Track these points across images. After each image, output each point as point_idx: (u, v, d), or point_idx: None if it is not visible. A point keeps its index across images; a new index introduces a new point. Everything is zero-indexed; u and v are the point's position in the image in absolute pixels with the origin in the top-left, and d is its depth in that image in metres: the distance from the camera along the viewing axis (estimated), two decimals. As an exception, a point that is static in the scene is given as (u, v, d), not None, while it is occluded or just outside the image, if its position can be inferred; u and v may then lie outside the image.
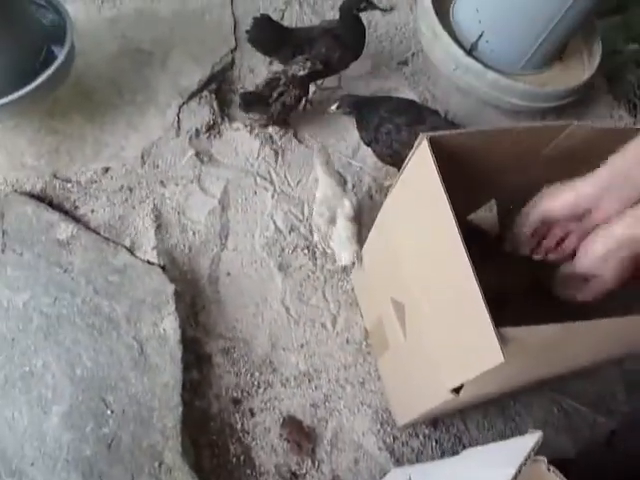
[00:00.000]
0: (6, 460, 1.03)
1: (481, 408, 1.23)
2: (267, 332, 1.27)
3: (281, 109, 1.42)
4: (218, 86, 1.59)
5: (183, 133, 1.49)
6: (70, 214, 1.33)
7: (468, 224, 1.25)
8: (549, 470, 0.68)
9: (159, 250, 1.29)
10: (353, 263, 1.23)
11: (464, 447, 1.20)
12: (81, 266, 1.23)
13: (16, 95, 1.22)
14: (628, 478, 0.91)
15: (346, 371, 1.25)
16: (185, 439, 1.08)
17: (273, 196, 1.44)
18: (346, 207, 1.24)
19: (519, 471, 0.59)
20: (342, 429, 1.19)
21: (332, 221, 1.27)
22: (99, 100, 1.51)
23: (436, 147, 0.82)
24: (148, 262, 1.26)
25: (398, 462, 1.16)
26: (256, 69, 1.64)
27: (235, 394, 1.19)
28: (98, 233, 1.30)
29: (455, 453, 1.19)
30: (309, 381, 1.23)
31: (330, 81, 1.61)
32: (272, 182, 1.46)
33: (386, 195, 1.46)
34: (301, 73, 1.32)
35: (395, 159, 1.34)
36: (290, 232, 1.39)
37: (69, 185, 1.37)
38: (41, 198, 1.34)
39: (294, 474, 1.13)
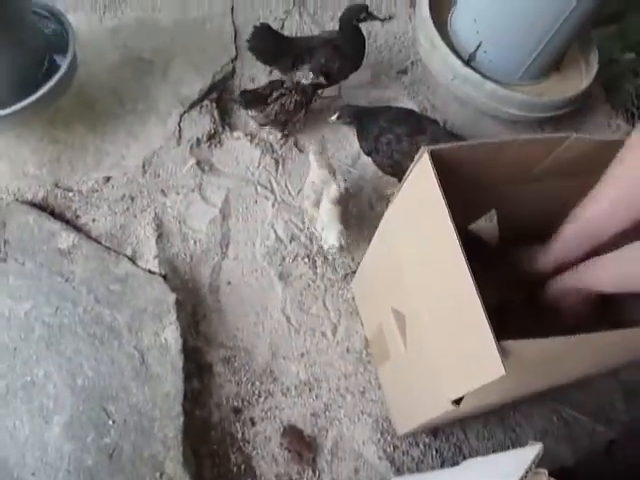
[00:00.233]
0: (7, 470, 1.04)
1: (481, 418, 1.23)
2: (268, 341, 1.27)
3: (279, 110, 1.44)
4: (219, 95, 1.60)
5: (184, 142, 1.50)
6: (71, 223, 1.33)
7: (469, 234, 1.26)
8: (549, 482, 0.69)
9: (160, 259, 1.30)
10: (340, 245, 1.24)
11: (464, 456, 1.21)
12: (82, 275, 1.24)
13: (19, 106, 1.23)
14: (627, 487, 0.92)
15: (346, 380, 1.25)
16: (186, 449, 1.09)
17: (274, 205, 1.44)
18: (332, 190, 1.25)
19: (520, 484, 0.60)
20: (342, 438, 1.19)
21: (317, 204, 1.29)
22: (100, 109, 1.52)
23: (437, 159, 0.83)
24: (149, 271, 1.27)
25: (398, 471, 1.16)
26: (256, 78, 1.65)
27: (236, 403, 1.19)
28: (99, 242, 1.30)
29: (455, 462, 1.19)
30: (309, 390, 1.23)
31: (330, 90, 1.62)
32: (273, 191, 1.47)
33: (387, 204, 1.47)
34: (305, 82, 1.33)
35: (395, 169, 1.35)
36: (291, 241, 1.40)
37: (70, 194, 1.38)
38: (43, 207, 1.34)
39: (295, 483, 1.13)
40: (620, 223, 0.95)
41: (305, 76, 1.32)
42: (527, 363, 0.71)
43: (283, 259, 1.37)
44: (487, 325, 0.67)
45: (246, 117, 1.55)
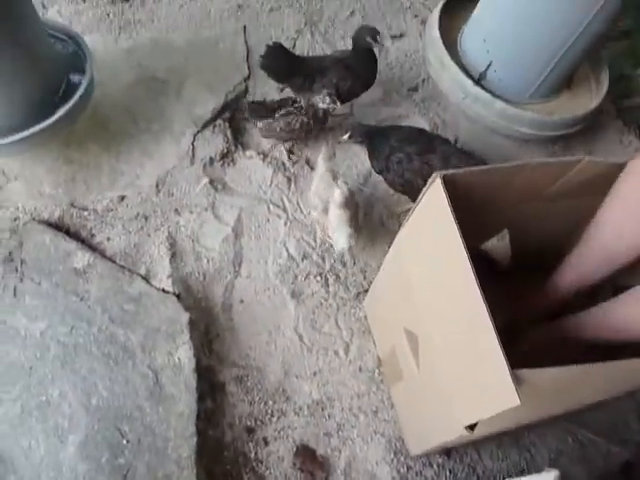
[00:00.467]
0: (23, 490, 1.05)
1: (495, 438, 1.23)
2: (280, 360, 1.28)
3: (284, 127, 1.45)
4: (232, 114, 1.62)
5: (197, 161, 1.52)
6: (87, 242, 1.35)
7: (480, 253, 1.26)
8: (567, 511, 0.68)
9: (174, 278, 1.31)
10: (350, 246, 1.26)
11: (478, 477, 1.20)
12: (97, 295, 1.25)
13: (37, 128, 1.25)
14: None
15: (359, 400, 1.25)
16: (200, 469, 1.09)
17: (286, 223, 1.45)
18: (336, 195, 1.27)
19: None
20: (355, 458, 1.19)
21: (325, 211, 1.31)
22: (115, 129, 1.55)
23: (449, 182, 0.83)
24: (163, 290, 1.28)
25: (412, 492, 1.16)
26: (269, 97, 1.67)
27: (249, 423, 1.20)
28: (114, 261, 1.32)
29: (469, 484, 1.18)
30: (322, 410, 1.23)
31: (342, 108, 1.63)
32: (285, 209, 1.48)
33: (398, 222, 1.49)
34: (321, 106, 1.34)
35: (407, 187, 1.35)
36: (303, 259, 1.40)
37: (86, 213, 1.40)
38: (59, 227, 1.36)
39: (308, 504, 1.13)
40: (629, 244, 0.95)
41: (322, 100, 1.33)
42: (541, 391, 0.71)
43: (295, 277, 1.38)
44: (501, 354, 0.67)
45: (258, 136, 1.56)
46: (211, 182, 1.49)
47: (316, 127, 1.43)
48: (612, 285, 1.11)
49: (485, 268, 0.97)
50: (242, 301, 1.34)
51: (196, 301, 1.31)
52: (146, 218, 1.41)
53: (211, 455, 1.13)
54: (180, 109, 1.60)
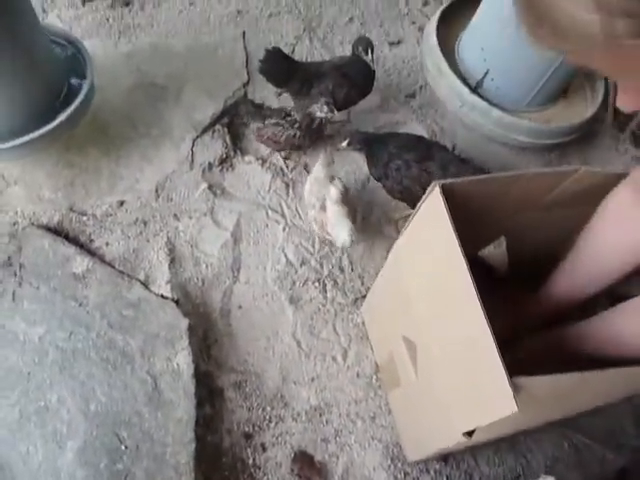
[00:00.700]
0: (21, 496, 1.05)
1: (492, 444, 1.23)
2: (278, 366, 1.28)
3: (271, 136, 1.46)
4: (231, 120, 1.63)
5: (196, 166, 1.52)
6: (85, 247, 1.35)
7: (478, 260, 1.27)
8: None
9: (173, 284, 1.31)
10: (351, 240, 1.27)
11: (475, 483, 1.21)
12: (96, 300, 1.25)
13: (37, 133, 1.25)
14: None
15: (357, 405, 1.26)
16: (198, 475, 1.09)
17: (284, 229, 1.46)
18: (332, 192, 1.29)
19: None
20: (353, 464, 1.20)
21: (323, 208, 1.32)
22: (114, 134, 1.55)
23: (448, 191, 0.84)
24: (162, 296, 1.28)
25: (409, 499, 1.16)
26: (267, 102, 1.68)
27: (247, 429, 1.20)
28: (113, 267, 1.32)
29: (466, 490, 1.19)
30: (320, 415, 1.24)
31: (339, 114, 1.64)
32: (283, 215, 1.48)
33: (396, 228, 1.50)
34: (319, 114, 1.35)
35: (405, 194, 1.36)
36: (301, 265, 1.41)
37: (85, 218, 1.40)
38: (58, 231, 1.36)
39: (306, 510, 1.14)
40: (624, 259, 0.96)
41: (320, 109, 1.33)
42: (539, 399, 0.72)
43: (294, 283, 1.38)
44: (499, 361, 0.68)
45: (257, 142, 1.57)
46: (210, 187, 1.49)
47: (307, 140, 1.43)
48: (610, 294, 1.12)
49: (483, 275, 0.98)
50: (240, 307, 1.34)
51: (195, 307, 1.31)
52: (145, 223, 1.41)
53: (209, 461, 1.14)
54: (179, 114, 1.60)
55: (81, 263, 1.30)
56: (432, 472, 1.20)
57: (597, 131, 1.77)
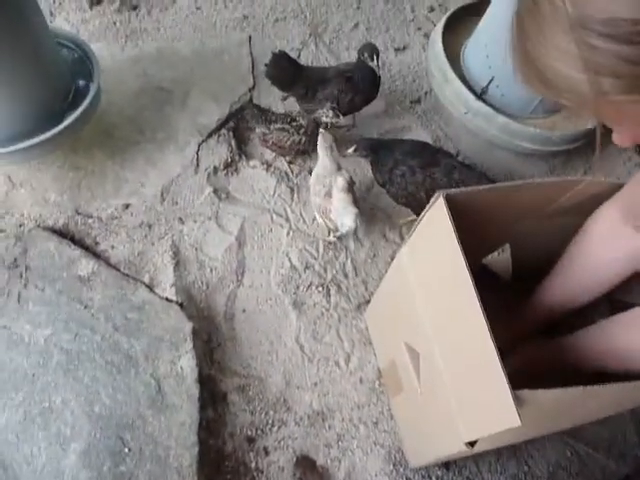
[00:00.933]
0: (24, 498, 1.05)
1: (494, 450, 1.23)
2: (281, 370, 1.28)
3: (276, 141, 1.47)
4: (236, 124, 1.64)
5: (201, 170, 1.53)
6: (91, 250, 1.36)
7: (482, 267, 1.27)
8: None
9: (177, 287, 1.32)
10: (356, 225, 1.30)
11: (476, 490, 1.21)
12: (101, 302, 1.26)
13: (43, 137, 1.26)
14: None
15: (359, 410, 1.26)
16: (201, 478, 1.10)
17: (288, 233, 1.46)
18: (339, 181, 1.31)
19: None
20: (355, 469, 1.20)
21: (328, 195, 1.34)
22: (120, 137, 1.56)
23: (452, 201, 0.84)
24: (167, 299, 1.29)
25: (411, 505, 1.17)
26: (273, 107, 1.68)
27: (250, 432, 1.20)
28: (118, 269, 1.33)
29: (468, 496, 1.19)
30: (323, 420, 1.24)
31: (345, 119, 1.65)
32: (288, 219, 1.49)
33: (400, 233, 1.50)
34: (324, 120, 1.35)
35: (409, 200, 1.37)
36: (305, 269, 1.41)
37: (90, 221, 1.41)
38: (63, 234, 1.37)
39: (307, 515, 1.14)
40: (618, 272, 0.97)
41: (325, 114, 1.34)
42: (542, 412, 0.71)
43: (297, 287, 1.39)
44: (502, 374, 0.68)
45: (262, 146, 1.58)
46: (215, 191, 1.50)
47: (312, 145, 1.43)
48: (610, 300, 1.12)
49: (487, 282, 0.99)
50: (244, 311, 1.35)
51: (199, 310, 1.32)
52: (150, 226, 1.42)
53: (212, 464, 1.14)
54: (185, 118, 1.61)
55: (86, 266, 1.30)
56: (434, 478, 1.20)
57: (601, 138, 1.76)
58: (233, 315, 1.34)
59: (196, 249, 1.40)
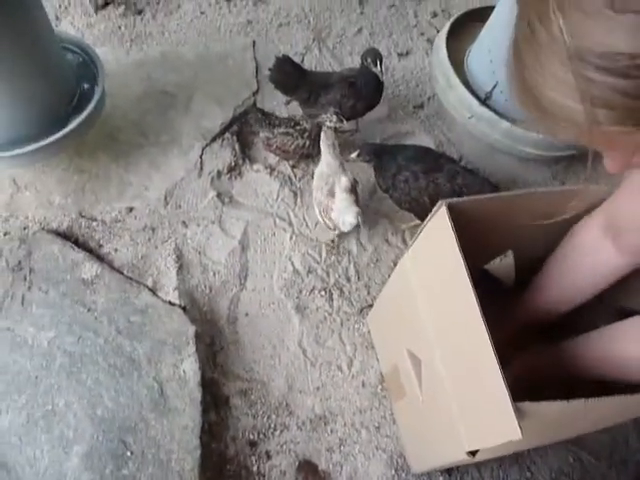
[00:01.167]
0: (26, 500, 1.05)
1: (496, 457, 1.23)
2: (284, 374, 1.28)
3: (280, 145, 1.47)
4: (240, 128, 1.64)
5: (205, 174, 1.53)
6: (94, 253, 1.36)
7: (485, 273, 1.27)
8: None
9: (180, 291, 1.32)
10: (357, 222, 1.30)
11: (478, 496, 1.20)
12: (104, 306, 1.26)
13: (48, 140, 1.27)
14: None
15: (361, 415, 1.26)
16: (203, 483, 1.10)
17: (291, 237, 1.47)
18: (343, 181, 1.33)
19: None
20: (357, 474, 1.20)
21: (331, 194, 1.34)
22: (124, 140, 1.57)
23: (454, 209, 0.84)
24: (170, 303, 1.29)
25: (413, 510, 1.16)
26: (276, 111, 1.69)
27: (252, 436, 1.20)
28: (121, 272, 1.33)
29: (470, 502, 1.19)
30: (325, 424, 1.24)
31: (348, 124, 1.65)
32: (291, 223, 1.49)
33: (403, 238, 1.50)
34: (328, 124, 1.36)
35: (413, 205, 1.37)
36: (308, 274, 1.42)
37: (94, 224, 1.41)
38: (67, 236, 1.38)
39: (309, 520, 1.14)
40: (614, 272, 0.97)
41: (329, 119, 1.34)
42: (544, 423, 0.71)
43: (300, 292, 1.39)
44: (504, 386, 0.67)
45: (266, 151, 1.58)
46: (218, 195, 1.51)
47: (316, 149, 1.44)
48: (611, 305, 1.12)
49: (489, 288, 0.99)
50: (247, 314, 1.35)
51: (201, 314, 1.32)
52: (153, 230, 1.43)
53: (214, 468, 1.14)
54: (189, 122, 1.62)
55: (90, 269, 1.31)
56: (436, 484, 1.20)
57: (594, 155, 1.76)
58: (236, 319, 1.34)
59: (199, 253, 1.41)
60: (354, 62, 1.81)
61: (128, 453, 1.10)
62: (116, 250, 1.38)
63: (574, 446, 1.27)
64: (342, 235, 1.47)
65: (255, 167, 1.58)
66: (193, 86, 1.69)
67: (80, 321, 1.24)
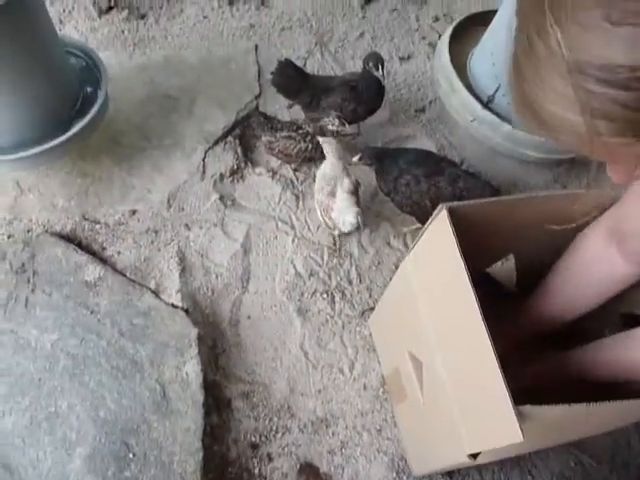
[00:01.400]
0: (29, 502, 1.06)
1: (497, 459, 1.23)
2: (286, 376, 1.29)
3: (282, 149, 1.48)
4: (242, 132, 1.65)
5: (208, 177, 1.54)
6: (98, 255, 1.37)
7: (486, 276, 1.27)
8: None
9: (183, 293, 1.33)
10: (357, 223, 1.30)
11: (480, 499, 1.20)
12: (107, 308, 1.27)
13: (52, 143, 1.28)
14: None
15: (363, 418, 1.26)
16: (205, 485, 1.10)
17: (293, 240, 1.47)
18: (345, 183, 1.34)
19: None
20: (358, 476, 1.20)
21: (332, 194, 1.35)
22: (127, 144, 1.57)
23: (455, 213, 0.85)
24: (172, 305, 1.30)
25: (414, 513, 1.17)
26: (279, 115, 1.70)
27: (253, 439, 1.21)
28: (124, 275, 1.34)
29: (471, 505, 1.19)
30: (326, 427, 1.24)
31: (350, 128, 1.66)
32: (293, 227, 1.50)
33: (404, 241, 1.51)
34: (330, 128, 1.37)
35: (414, 209, 1.37)
36: (310, 277, 1.42)
37: (97, 226, 1.42)
38: (70, 239, 1.38)
39: (311, 522, 1.14)
40: (621, 279, 0.97)
41: (332, 123, 1.35)
42: (545, 427, 0.71)
43: (302, 294, 1.40)
44: (505, 390, 0.68)
45: (268, 155, 1.59)
46: (221, 198, 1.51)
47: (318, 153, 1.45)
48: (618, 312, 1.12)
49: (491, 291, 0.99)
50: (249, 317, 1.35)
51: (204, 316, 1.33)
52: (156, 232, 1.43)
53: (216, 471, 1.14)
54: (191, 125, 1.62)
55: (93, 271, 1.32)
56: (437, 487, 1.20)
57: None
58: (238, 321, 1.34)
59: (202, 255, 1.41)
60: (356, 66, 1.81)
61: (130, 455, 1.11)
62: (119, 253, 1.39)
63: (575, 449, 1.27)
64: (344, 238, 1.47)
65: (257, 170, 1.58)
66: (196, 90, 1.70)
67: (83, 323, 1.25)
